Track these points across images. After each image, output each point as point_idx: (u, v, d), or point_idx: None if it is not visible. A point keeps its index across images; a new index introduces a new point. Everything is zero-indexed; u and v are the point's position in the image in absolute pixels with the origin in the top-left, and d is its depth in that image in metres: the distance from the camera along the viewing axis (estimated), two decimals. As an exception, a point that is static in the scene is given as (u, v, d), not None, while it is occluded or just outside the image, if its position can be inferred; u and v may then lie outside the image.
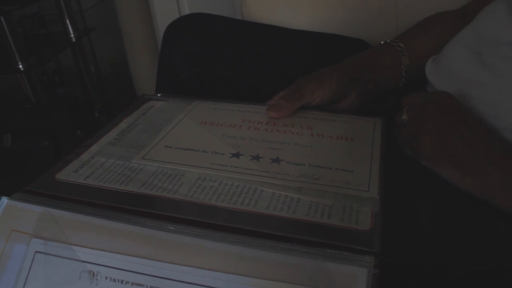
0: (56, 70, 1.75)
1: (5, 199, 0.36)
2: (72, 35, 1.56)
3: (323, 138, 0.47)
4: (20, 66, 1.30)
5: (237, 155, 0.44)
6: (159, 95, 0.59)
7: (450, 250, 0.39)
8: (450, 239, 0.40)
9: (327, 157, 0.43)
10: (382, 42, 0.66)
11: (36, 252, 0.34)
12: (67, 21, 1.54)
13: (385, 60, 0.63)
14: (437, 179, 0.46)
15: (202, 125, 0.50)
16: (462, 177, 0.44)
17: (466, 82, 0.53)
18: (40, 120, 1.32)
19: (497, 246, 0.40)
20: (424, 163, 0.48)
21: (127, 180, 0.40)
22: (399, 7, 0.82)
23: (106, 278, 0.32)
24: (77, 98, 1.65)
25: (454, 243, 0.40)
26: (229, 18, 0.77)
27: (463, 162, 0.44)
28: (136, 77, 1.65)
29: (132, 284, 0.32)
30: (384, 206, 0.36)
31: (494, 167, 0.43)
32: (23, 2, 1.33)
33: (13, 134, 1.26)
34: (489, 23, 0.55)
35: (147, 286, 0.31)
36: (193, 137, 0.47)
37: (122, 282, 0.32)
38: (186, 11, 1.30)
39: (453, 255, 0.39)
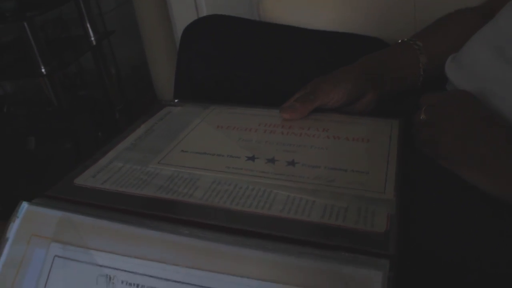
0: (78, 73, 1.78)
1: (25, 204, 0.37)
2: (92, 38, 1.59)
3: (339, 140, 0.47)
4: (43, 70, 1.33)
5: (252, 158, 0.44)
6: (176, 100, 0.59)
7: (468, 252, 0.39)
8: (469, 241, 0.39)
9: (342, 159, 0.43)
10: (400, 41, 0.65)
11: (55, 256, 0.34)
12: (88, 25, 1.57)
13: (402, 59, 0.62)
14: (456, 180, 0.46)
15: (218, 129, 0.50)
16: (482, 178, 0.44)
17: (488, 79, 0.52)
18: (63, 122, 1.35)
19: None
20: (443, 164, 0.47)
21: (143, 185, 0.40)
22: (417, 5, 0.81)
23: (122, 282, 0.32)
24: (98, 100, 1.68)
25: (473, 245, 0.39)
26: (247, 19, 0.77)
27: (484, 163, 0.43)
28: (156, 78, 1.66)
29: (148, 288, 0.32)
30: (400, 208, 0.36)
31: None
32: (45, 7, 1.35)
33: (36, 137, 1.29)
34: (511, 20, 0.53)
35: (162, 290, 0.32)
36: (209, 141, 0.48)
37: (137, 286, 0.32)
38: (204, 12, 1.30)
39: (471, 257, 0.38)
